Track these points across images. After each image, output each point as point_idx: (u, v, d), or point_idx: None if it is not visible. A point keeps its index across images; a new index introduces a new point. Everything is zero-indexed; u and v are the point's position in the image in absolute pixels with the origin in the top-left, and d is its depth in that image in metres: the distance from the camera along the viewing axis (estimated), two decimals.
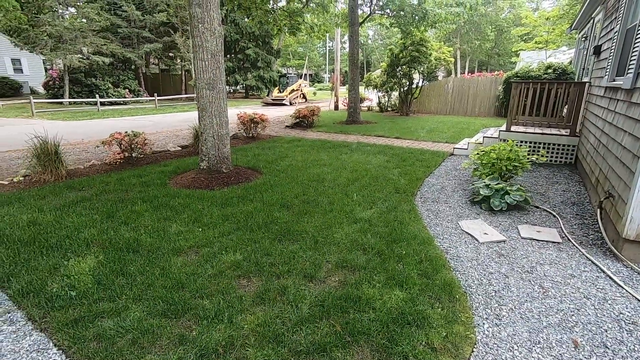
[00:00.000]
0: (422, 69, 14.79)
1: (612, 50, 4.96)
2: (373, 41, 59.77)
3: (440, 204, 4.68)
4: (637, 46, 3.69)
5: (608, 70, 5.04)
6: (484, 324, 2.36)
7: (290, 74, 30.12)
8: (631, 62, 3.84)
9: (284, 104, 22.88)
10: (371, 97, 19.24)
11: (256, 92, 28.95)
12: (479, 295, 2.68)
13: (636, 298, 2.62)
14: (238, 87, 32.31)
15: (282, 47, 33.58)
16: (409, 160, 6.97)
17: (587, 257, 3.25)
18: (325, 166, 6.47)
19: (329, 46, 49.99)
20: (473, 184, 4.93)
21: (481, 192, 4.56)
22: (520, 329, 2.32)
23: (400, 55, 14.64)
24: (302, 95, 25.26)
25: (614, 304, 2.57)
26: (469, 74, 29.49)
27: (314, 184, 5.31)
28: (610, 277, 2.90)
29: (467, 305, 2.55)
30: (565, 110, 7.13)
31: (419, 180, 5.66)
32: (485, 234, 3.74)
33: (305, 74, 41.76)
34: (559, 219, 4.13)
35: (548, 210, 4.44)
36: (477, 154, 5.34)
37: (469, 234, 3.76)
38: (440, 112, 16.82)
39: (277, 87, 25.62)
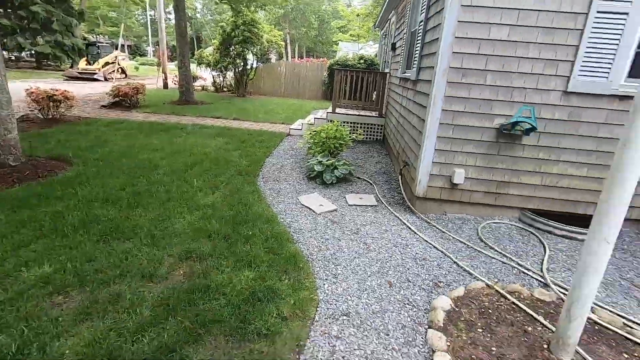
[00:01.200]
0: (255, 50, 14.88)
1: (403, 48, 6.20)
2: (202, 16, 56.05)
3: (281, 182, 4.94)
4: (418, 46, 4.73)
5: (401, 63, 6.29)
6: (324, 284, 2.68)
7: (102, 42, 25.04)
8: (415, 58, 4.89)
9: (97, 79, 19.04)
10: (205, 75, 18.20)
11: (53, 62, 23.00)
12: (318, 260, 3.00)
13: (424, 240, 3.48)
14: (24, 54, 24.89)
15: (88, 9, 27.36)
16: (249, 141, 7.02)
17: (394, 215, 4.07)
18: (157, 151, 5.81)
19: (150, 15, 43.92)
20: (308, 162, 5.39)
21: (315, 169, 5.05)
22: (351, 282, 2.74)
23: (233, 34, 14.29)
24: (120, 70, 21.56)
25: (412, 247, 3.34)
26: (299, 58, 31.55)
27: (145, 173, 4.71)
28: (409, 228, 3.74)
29: (310, 271, 2.82)
30: (374, 96, 8.57)
31: (260, 161, 5.79)
32: (320, 205, 4.18)
33: (123, 45, 35.67)
34: (375, 186, 5.00)
35: (367, 179, 5.31)
36: (310, 134, 5.84)
37: (307, 207, 4.12)
38: (275, 94, 17.47)
39: (84, 58, 21.01)
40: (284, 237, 3.27)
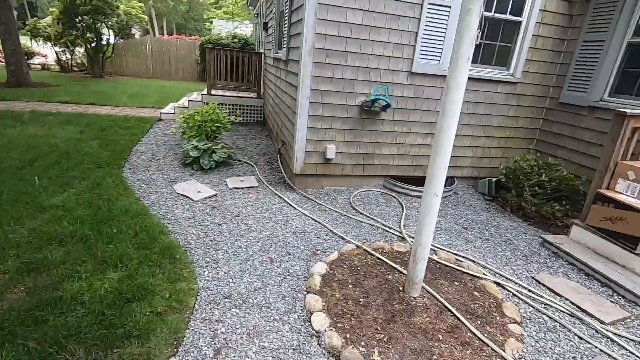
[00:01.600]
0: (111, 22, 12.85)
1: (274, 28, 6.19)
2: None
3: (153, 171, 4.50)
4: (286, 26, 4.79)
5: (273, 44, 6.29)
6: (204, 272, 2.60)
7: None
8: (284, 38, 4.96)
9: None
10: (45, 52, 14.97)
11: None
12: (198, 248, 2.89)
13: (304, 214, 3.67)
14: None
15: None
16: (111, 129, 6.15)
17: (275, 193, 4.16)
18: None
19: None
20: (183, 148, 5.03)
21: (191, 154, 4.75)
22: (233, 264, 2.72)
23: (78, 2, 11.99)
24: None
25: (293, 222, 3.49)
26: (168, 35, 28.56)
27: None
28: (289, 204, 3.89)
29: (188, 261, 2.69)
30: (252, 77, 8.41)
31: (126, 150, 5.15)
32: (199, 192, 3.99)
33: None
34: (256, 168, 5.00)
35: (247, 162, 5.25)
36: (184, 117, 5.43)
37: (184, 195, 3.88)
38: (142, 75, 15.59)
39: None
40: (156, 230, 3.02)
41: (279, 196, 4.08)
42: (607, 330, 2.27)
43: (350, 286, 2.47)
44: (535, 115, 4.79)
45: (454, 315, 2.26)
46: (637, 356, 2.10)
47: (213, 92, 8.03)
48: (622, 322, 2.39)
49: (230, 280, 2.53)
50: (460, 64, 1.91)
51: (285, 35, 4.89)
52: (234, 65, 8.22)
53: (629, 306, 2.57)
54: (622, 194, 3.07)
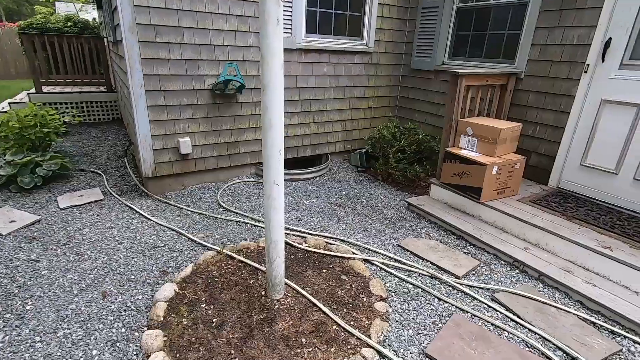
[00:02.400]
0: None
1: (106, 5, 5.12)
2: None
3: None
4: None
5: (105, 24, 5.23)
6: None
7: None
8: (109, 15, 4.08)
9: None
10: None
11: None
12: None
13: (158, 224, 3.10)
14: None
15: None
16: None
17: (125, 204, 3.46)
18: None
19: None
20: None
21: (1, 173, 3.65)
22: (47, 314, 2.07)
23: None
24: None
25: (143, 237, 2.90)
26: None
27: None
28: (142, 215, 3.26)
29: None
30: (102, 68, 7.04)
31: None
32: (12, 222, 3.06)
33: None
34: (104, 176, 4.13)
35: (93, 170, 4.33)
36: None
37: None
38: None
39: None
40: None
41: (130, 207, 3.40)
42: (461, 285, 2.37)
43: (204, 305, 2.09)
44: (393, 83, 4.95)
45: (320, 309, 2.07)
46: (485, 304, 2.22)
47: (46, 89, 6.50)
48: (473, 272, 2.54)
49: (37, 339, 1.90)
50: (270, 28, 1.60)
51: (108, 11, 4.02)
52: (73, 54, 6.75)
53: (479, 254, 2.77)
54: (464, 149, 3.29)
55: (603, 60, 2.96)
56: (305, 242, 2.78)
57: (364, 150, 4.55)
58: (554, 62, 3.29)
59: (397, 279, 2.45)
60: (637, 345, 1.92)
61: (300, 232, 3.02)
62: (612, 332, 2.02)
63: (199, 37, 3.43)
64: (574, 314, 2.13)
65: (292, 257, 2.59)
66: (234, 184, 3.99)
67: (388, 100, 5.01)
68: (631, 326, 2.03)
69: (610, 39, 2.89)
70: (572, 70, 3.16)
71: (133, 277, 2.42)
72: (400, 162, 4.03)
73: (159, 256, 2.66)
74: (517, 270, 2.57)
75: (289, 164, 4.36)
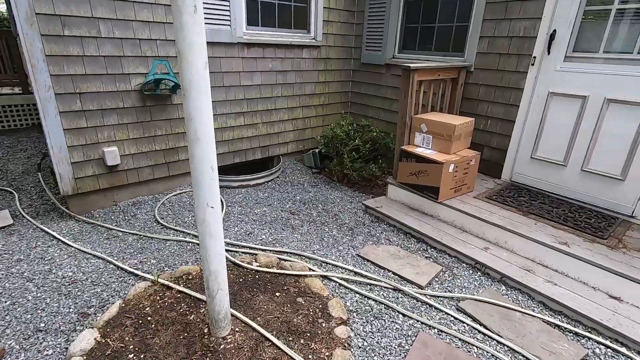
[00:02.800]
0: None
1: None
2: None
3: None
4: None
5: (11, 15, 4.47)
6: None
7: None
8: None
9: None
10: None
11: None
12: None
13: (81, 250, 2.64)
14: None
15: None
16: None
17: (41, 229, 2.93)
18: None
19: None
20: None
21: None
22: None
23: None
24: None
25: (60, 269, 2.44)
26: None
27: None
28: (60, 240, 2.76)
29: None
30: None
31: None
32: None
33: None
34: (16, 195, 3.51)
35: (3, 188, 3.67)
36: None
37: None
38: None
39: None
40: None
41: (46, 232, 2.88)
42: (425, 296, 2.23)
43: (131, 356, 1.73)
44: (344, 78, 4.75)
45: (273, 344, 1.80)
46: (452, 316, 2.08)
47: None
48: (437, 279, 2.41)
49: None
50: (186, 18, 1.28)
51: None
52: None
53: (440, 257, 2.66)
54: (420, 147, 3.16)
55: (549, 53, 2.95)
56: (256, 261, 2.48)
57: (317, 150, 4.31)
58: (502, 54, 3.25)
59: (358, 295, 2.25)
60: (601, 347, 1.88)
61: (250, 248, 2.72)
62: (576, 334, 1.97)
63: (120, 30, 2.96)
64: (539, 317, 2.07)
65: (241, 280, 2.29)
66: (174, 195, 3.57)
67: (340, 96, 4.81)
68: (593, 325, 2.00)
69: (554, 31, 2.88)
70: (520, 63, 3.14)
71: (43, 325, 1.98)
72: (356, 161, 3.84)
73: (79, 293, 2.22)
74: (479, 273, 2.48)
75: (238, 168, 4.02)
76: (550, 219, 2.67)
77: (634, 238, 2.47)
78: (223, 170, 3.87)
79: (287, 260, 2.51)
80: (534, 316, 2.07)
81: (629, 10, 2.58)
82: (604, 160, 2.79)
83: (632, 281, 2.08)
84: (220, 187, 3.71)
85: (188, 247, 2.74)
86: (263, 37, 3.79)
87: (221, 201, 3.47)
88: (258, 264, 2.44)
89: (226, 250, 2.56)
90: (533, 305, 2.20)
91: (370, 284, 2.34)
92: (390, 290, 2.30)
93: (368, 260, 2.59)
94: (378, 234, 2.97)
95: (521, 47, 3.11)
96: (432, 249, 2.75)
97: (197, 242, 2.80)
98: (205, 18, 3.27)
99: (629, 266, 2.16)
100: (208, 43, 3.42)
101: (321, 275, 2.38)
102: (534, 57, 3.03)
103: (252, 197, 3.62)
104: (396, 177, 3.32)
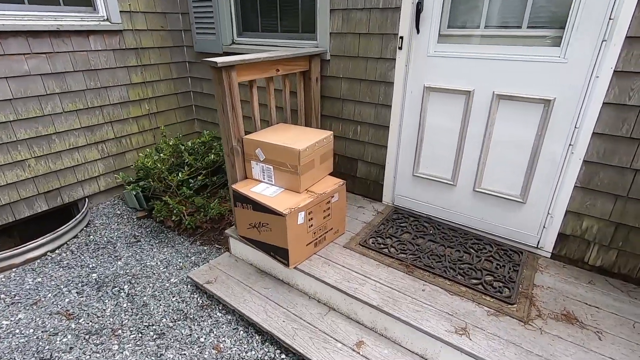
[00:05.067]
0: None
1: None
2: None
3: None
4: None
5: None
6: None
7: None
8: None
9: None
10: None
11: None
12: None
13: None
14: None
15: None
16: None
17: None
18: None
19: None
20: None
21: None
22: None
23: None
24: None
25: None
26: None
27: None
28: None
29: None
30: None
31: None
32: None
33: None
34: None
35: None
36: None
37: None
38: None
39: None
40: None
41: None
42: None
43: None
44: (178, 74, 3.44)
45: None
46: None
47: None
48: None
49: None
50: None
51: None
52: None
53: None
54: (259, 182, 2.10)
55: (418, 31, 2.08)
56: None
57: (142, 184, 2.98)
58: (361, 35, 2.30)
59: None
60: None
61: None
62: None
63: None
64: None
65: None
66: None
67: (177, 100, 3.50)
68: None
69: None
70: (385, 47, 2.23)
71: None
72: (191, 197, 2.65)
73: None
74: None
75: (18, 229, 2.52)
76: (443, 275, 1.86)
77: (545, 289, 1.78)
78: None
79: None
80: None
81: None
82: (499, 176, 2.06)
83: None
84: None
85: None
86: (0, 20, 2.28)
87: None
88: None
89: None
90: None
91: None
92: None
93: None
94: (204, 337, 1.86)
95: (384, 24, 2.19)
96: (284, 355, 1.75)
97: None
98: None
99: (549, 354, 1.42)
100: None
101: None
102: (401, 38, 2.14)
103: (12, 289, 2.20)
104: (237, 227, 2.23)
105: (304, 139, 2.00)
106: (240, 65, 1.95)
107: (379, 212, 2.49)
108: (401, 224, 2.32)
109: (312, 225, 1.96)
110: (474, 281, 1.82)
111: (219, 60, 1.82)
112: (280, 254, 1.95)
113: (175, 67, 3.39)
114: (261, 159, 2.04)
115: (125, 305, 2.07)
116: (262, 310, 1.89)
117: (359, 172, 2.66)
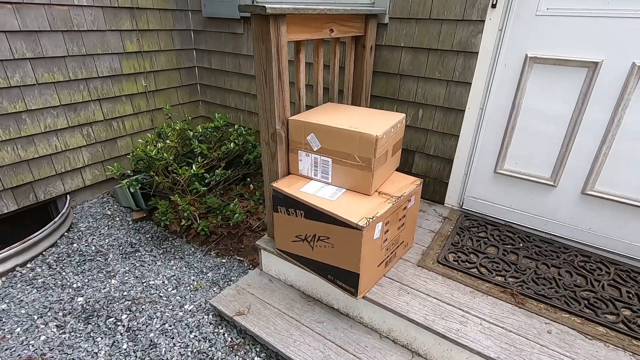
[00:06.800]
0: None
1: None
2: None
3: None
4: None
5: None
6: None
7: None
8: None
9: None
10: None
11: None
12: None
13: None
14: None
15: None
16: None
17: None
18: None
19: None
20: None
21: None
22: None
23: None
24: None
25: None
26: None
27: None
28: None
29: None
30: None
31: None
32: None
33: None
34: None
35: None
36: None
37: None
38: None
39: None
40: None
41: None
42: None
43: None
44: (181, 45, 2.83)
45: None
46: None
47: None
48: None
49: None
50: None
51: None
52: None
53: None
54: (310, 179, 1.56)
55: None
56: None
57: (139, 178, 2.39)
58: None
59: None
60: None
61: None
62: None
63: None
64: None
65: None
66: None
67: (179, 77, 2.90)
68: None
69: None
70: (471, 4, 1.71)
71: None
72: (204, 196, 2.10)
73: None
74: None
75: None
76: (566, 308, 1.38)
77: None
78: None
79: None
80: None
81: None
82: (624, 177, 1.59)
83: None
84: None
85: None
86: None
87: None
88: None
89: None
90: None
91: None
92: None
93: None
94: None
95: None
96: None
97: None
98: None
99: None
100: None
101: None
102: None
103: None
104: (273, 238, 1.70)
105: (373, 122, 1.47)
106: (293, 17, 1.39)
107: (445, 217, 1.99)
108: (479, 234, 1.83)
109: (386, 240, 1.44)
110: (610, 317, 1.35)
111: (268, 4, 1.27)
112: (343, 278, 1.42)
113: (178, 36, 2.78)
114: (315, 149, 1.50)
115: (125, 345, 1.51)
116: (320, 356, 1.37)
117: (416, 167, 2.15)
